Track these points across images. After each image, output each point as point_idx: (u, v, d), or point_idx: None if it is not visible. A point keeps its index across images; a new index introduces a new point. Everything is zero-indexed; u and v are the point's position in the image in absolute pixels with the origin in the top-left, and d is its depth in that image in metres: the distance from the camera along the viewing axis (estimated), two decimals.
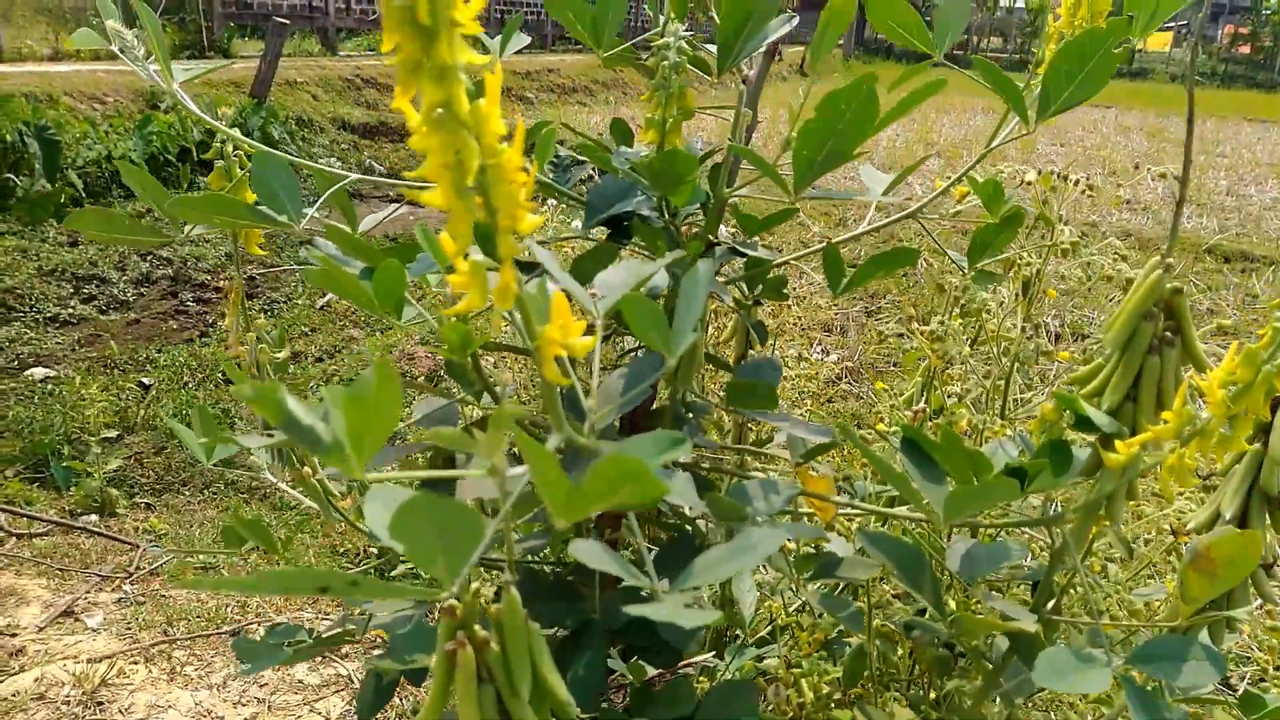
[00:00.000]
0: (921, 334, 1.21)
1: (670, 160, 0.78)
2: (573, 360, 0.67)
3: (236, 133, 0.93)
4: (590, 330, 0.63)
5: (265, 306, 4.74)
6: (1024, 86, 0.90)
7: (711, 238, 0.99)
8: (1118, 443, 0.71)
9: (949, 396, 1.24)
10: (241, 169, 0.97)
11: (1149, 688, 0.72)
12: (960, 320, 1.24)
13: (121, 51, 0.87)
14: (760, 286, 1.05)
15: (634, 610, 0.53)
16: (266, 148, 0.86)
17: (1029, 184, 1.07)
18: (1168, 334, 0.73)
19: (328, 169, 0.91)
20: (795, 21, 0.85)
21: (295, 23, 11.52)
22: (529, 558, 0.93)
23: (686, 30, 1.12)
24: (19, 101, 6.26)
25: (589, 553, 0.53)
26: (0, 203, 5.64)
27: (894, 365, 4.34)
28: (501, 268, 0.47)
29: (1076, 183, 1.09)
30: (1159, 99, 15.52)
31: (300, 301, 4.79)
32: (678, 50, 0.79)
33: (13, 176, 5.67)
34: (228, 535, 0.94)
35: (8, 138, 5.78)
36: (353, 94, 10.01)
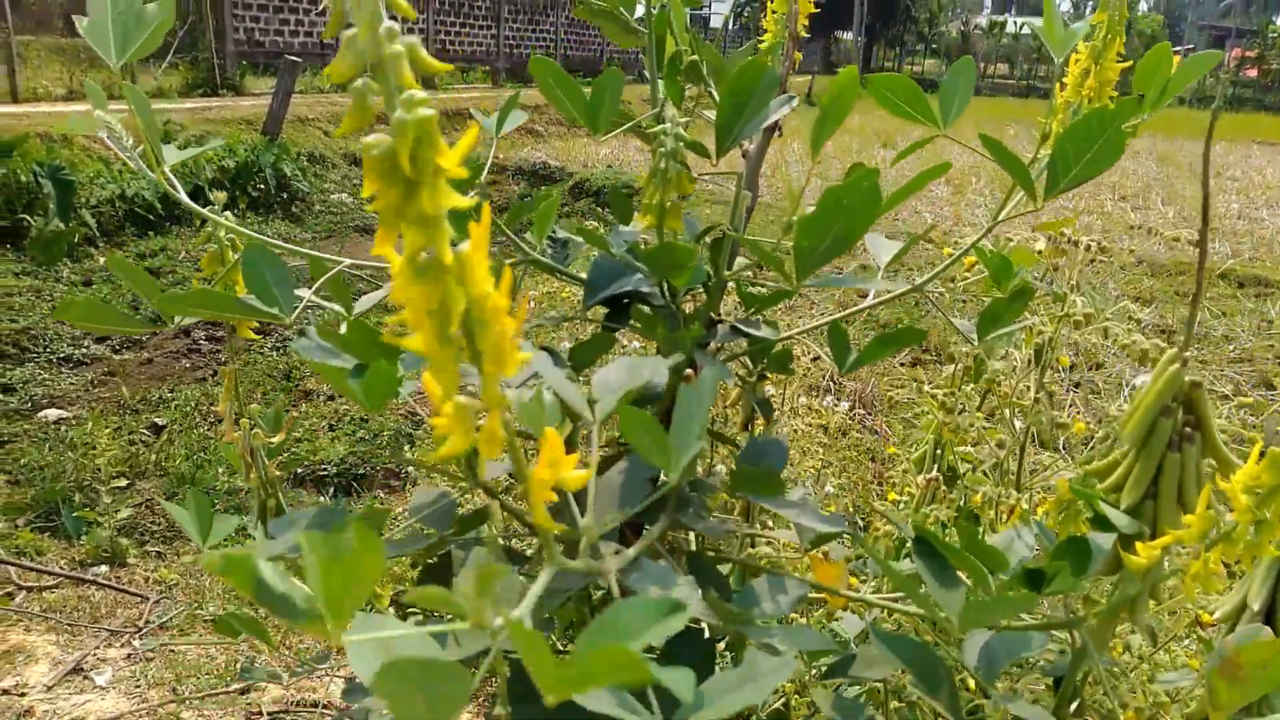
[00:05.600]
0: (933, 399, 1.18)
1: (668, 251, 0.76)
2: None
3: (228, 217, 0.92)
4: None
5: (277, 344, 4.74)
6: (1030, 162, 0.88)
7: (713, 314, 0.97)
8: (1139, 544, 0.69)
9: (963, 462, 1.21)
10: (235, 251, 0.96)
11: None
12: (972, 386, 1.21)
13: (109, 140, 0.87)
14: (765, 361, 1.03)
15: None
16: (260, 237, 0.85)
17: (1040, 254, 1.05)
18: (1187, 429, 0.71)
19: (323, 255, 0.90)
20: (795, 103, 0.83)
21: (306, 60, 11.63)
22: None
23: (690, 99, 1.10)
24: (34, 142, 6.33)
25: (594, 700, 0.50)
26: (15, 243, 5.69)
27: (906, 397, 4.30)
28: (489, 413, 0.45)
29: (1088, 247, 1.07)
30: (1169, 123, 15.38)
31: None
32: (675, 138, 0.77)
33: (27, 217, 5.72)
34: (221, 626, 0.92)
35: (22, 178, 5.84)
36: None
